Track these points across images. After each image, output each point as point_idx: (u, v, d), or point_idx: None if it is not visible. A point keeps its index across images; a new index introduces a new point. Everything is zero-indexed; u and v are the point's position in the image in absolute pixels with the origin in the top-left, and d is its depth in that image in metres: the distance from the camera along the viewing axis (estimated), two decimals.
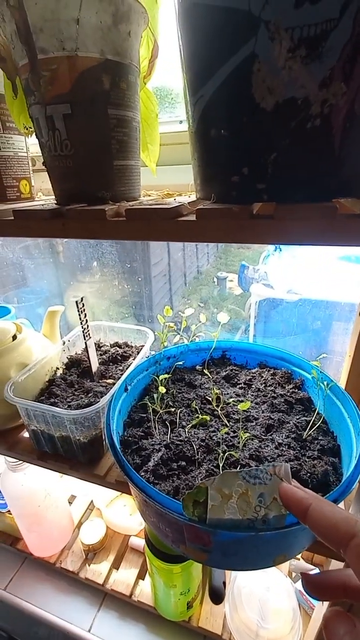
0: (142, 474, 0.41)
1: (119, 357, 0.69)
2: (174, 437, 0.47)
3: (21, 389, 0.54)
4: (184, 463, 0.44)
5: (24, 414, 0.52)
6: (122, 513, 0.84)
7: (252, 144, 0.26)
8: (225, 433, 0.48)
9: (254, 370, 0.62)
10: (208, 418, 0.51)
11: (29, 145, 0.47)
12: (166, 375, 0.56)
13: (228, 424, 0.51)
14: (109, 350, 0.71)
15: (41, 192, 0.52)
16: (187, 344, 0.65)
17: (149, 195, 0.45)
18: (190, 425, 0.50)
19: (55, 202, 0.38)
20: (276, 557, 0.38)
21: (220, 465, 0.42)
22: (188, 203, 0.32)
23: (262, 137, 0.25)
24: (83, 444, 0.52)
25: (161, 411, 0.53)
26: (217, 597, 0.53)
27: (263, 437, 0.48)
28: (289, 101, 0.23)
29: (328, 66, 0.22)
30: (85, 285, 1.00)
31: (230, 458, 0.44)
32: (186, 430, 0.49)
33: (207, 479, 0.30)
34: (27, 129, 0.39)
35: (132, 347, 0.73)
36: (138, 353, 0.70)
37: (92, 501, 0.93)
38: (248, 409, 0.50)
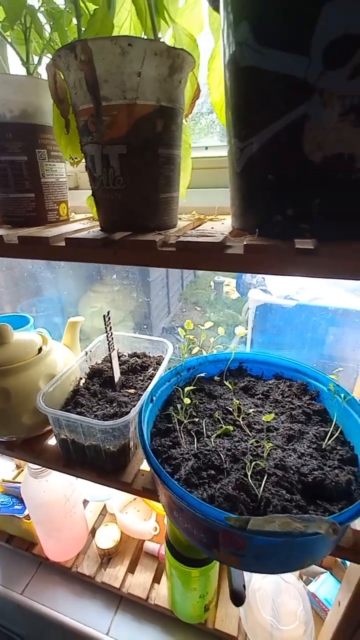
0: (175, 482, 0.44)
1: (138, 367, 0.72)
2: (201, 447, 0.50)
3: (50, 399, 0.56)
4: (213, 472, 0.46)
5: (54, 423, 0.54)
6: (136, 518, 0.86)
7: (298, 190, 0.29)
8: (250, 443, 0.51)
9: (270, 382, 0.65)
10: (232, 428, 0.54)
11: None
12: (191, 387, 0.59)
13: (250, 434, 0.53)
14: (129, 361, 0.73)
15: (74, 212, 0.54)
16: (205, 355, 0.68)
17: (181, 219, 0.48)
18: (215, 435, 0.53)
19: (100, 228, 0.40)
20: (304, 561, 0.40)
21: (249, 474, 0.45)
22: (229, 234, 0.35)
23: (308, 184, 0.28)
24: (112, 452, 0.54)
25: (185, 421, 0.55)
26: (239, 599, 0.55)
27: (285, 447, 0.51)
28: (337, 156, 0.26)
29: None
30: (96, 294, 1.02)
31: (256, 467, 0.46)
32: (212, 440, 0.52)
33: (266, 517, 0.33)
34: (73, 159, 0.41)
35: (150, 357, 0.75)
36: (157, 363, 0.72)
37: (104, 506, 0.95)
38: (270, 419, 0.53)
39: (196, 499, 0.38)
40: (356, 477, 0.44)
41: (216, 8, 0.33)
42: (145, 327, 1.11)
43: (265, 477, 0.44)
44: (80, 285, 1.01)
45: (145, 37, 0.34)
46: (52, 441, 0.63)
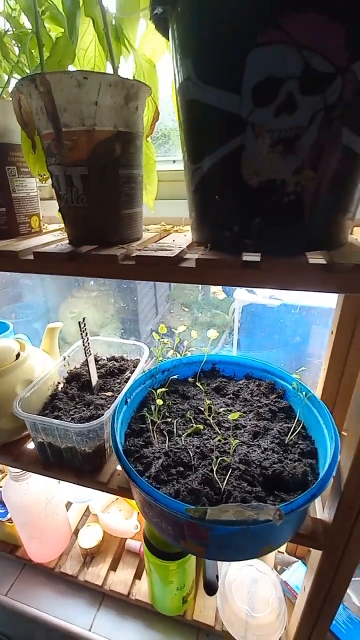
0: (145, 479, 0.46)
1: (115, 371, 0.74)
2: (172, 446, 0.53)
3: (27, 404, 0.58)
4: (181, 469, 0.49)
5: (31, 427, 0.56)
6: (118, 517, 0.88)
7: (241, 210, 0.32)
8: (218, 440, 0.54)
9: (241, 382, 0.68)
10: (202, 427, 0.57)
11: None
12: (163, 389, 0.61)
13: (219, 432, 0.57)
14: (106, 364, 0.75)
15: (46, 224, 0.56)
16: (180, 358, 0.71)
17: (149, 230, 0.51)
18: (185, 434, 0.56)
19: (68, 242, 0.43)
20: (263, 548, 0.44)
21: (214, 469, 0.48)
22: (187, 247, 0.38)
23: (249, 205, 0.31)
24: (87, 454, 0.56)
25: (159, 421, 0.58)
26: (211, 589, 0.58)
27: (250, 443, 0.54)
28: (270, 181, 0.29)
29: (300, 158, 0.28)
30: (78, 299, 1.04)
31: (222, 463, 0.49)
32: (182, 438, 0.55)
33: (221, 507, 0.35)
34: (41, 176, 0.43)
35: (127, 360, 0.77)
36: (134, 366, 0.75)
37: (87, 507, 0.97)
38: (237, 417, 0.56)
39: (161, 493, 0.41)
40: (313, 469, 0.48)
41: (167, 39, 0.36)
42: (132, 329, 1.13)
43: (230, 472, 0.47)
44: (62, 291, 1.03)
45: (107, 71, 0.37)
46: (30, 445, 0.65)
